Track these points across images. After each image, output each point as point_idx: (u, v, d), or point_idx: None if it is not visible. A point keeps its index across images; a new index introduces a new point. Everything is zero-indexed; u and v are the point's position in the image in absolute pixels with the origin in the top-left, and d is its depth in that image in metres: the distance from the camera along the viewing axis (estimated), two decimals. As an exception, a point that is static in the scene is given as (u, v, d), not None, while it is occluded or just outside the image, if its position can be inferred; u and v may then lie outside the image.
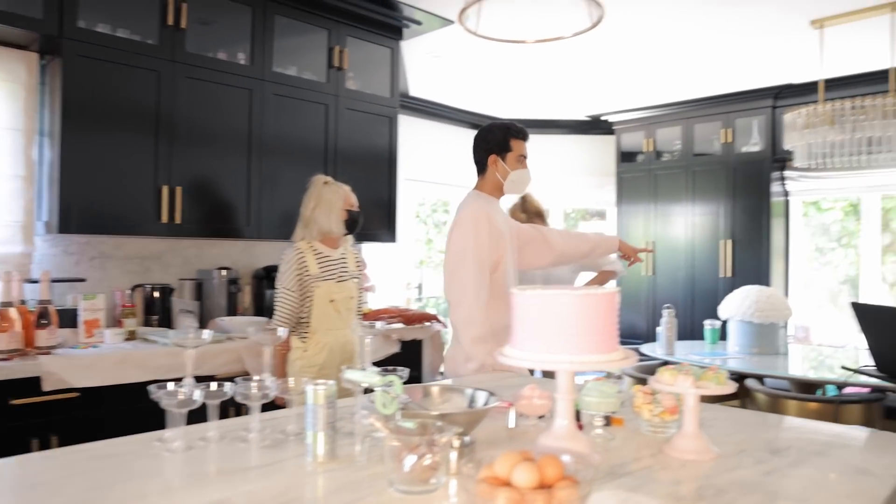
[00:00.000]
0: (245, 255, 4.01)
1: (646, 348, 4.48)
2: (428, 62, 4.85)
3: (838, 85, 4.88)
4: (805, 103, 4.37)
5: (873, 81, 4.75)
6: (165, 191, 3.28)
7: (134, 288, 3.50)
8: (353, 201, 3.01)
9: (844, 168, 4.38)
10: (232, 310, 3.68)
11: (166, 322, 3.52)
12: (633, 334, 6.06)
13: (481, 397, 1.72)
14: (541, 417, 1.75)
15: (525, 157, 2.66)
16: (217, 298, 3.64)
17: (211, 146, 3.47)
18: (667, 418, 1.65)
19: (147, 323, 3.47)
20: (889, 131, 3.72)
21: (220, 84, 3.48)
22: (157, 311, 3.50)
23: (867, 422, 3.33)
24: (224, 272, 3.67)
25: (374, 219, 4.12)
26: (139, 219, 3.23)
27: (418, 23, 4.13)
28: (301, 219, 2.96)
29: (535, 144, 6.68)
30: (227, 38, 3.57)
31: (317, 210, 2.91)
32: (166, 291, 3.56)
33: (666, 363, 2.85)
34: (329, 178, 3.02)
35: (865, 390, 3.81)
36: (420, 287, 6.50)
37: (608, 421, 1.72)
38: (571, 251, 2.84)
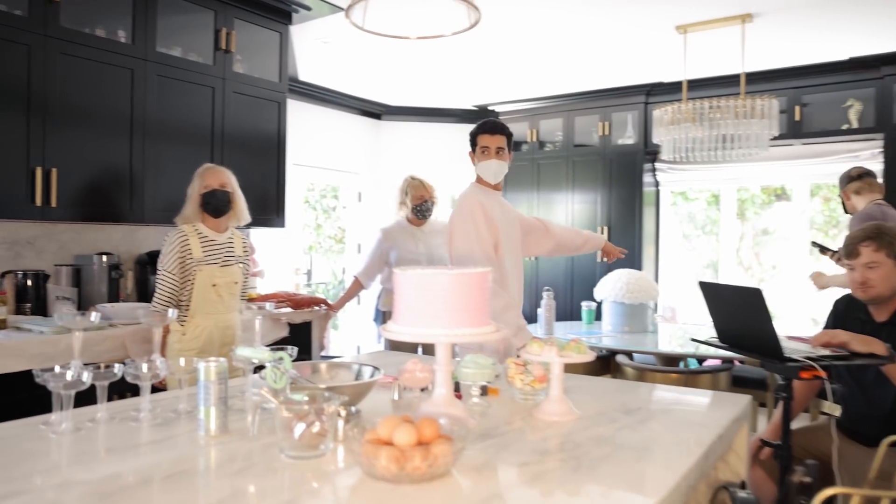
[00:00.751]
0: (127, 239, 3.90)
1: (530, 327, 4.73)
2: (318, 48, 4.87)
3: (700, 86, 5.33)
4: (672, 101, 4.75)
5: (729, 84, 5.23)
6: (39, 172, 3.15)
7: (4, 274, 3.34)
8: (210, 182, 2.89)
9: (705, 161, 4.80)
10: (114, 296, 3.59)
11: (41, 310, 3.38)
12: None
13: (367, 372, 1.84)
14: (423, 390, 1.89)
15: (488, 148, 2.88)
16: (97, 285, 3.54)
17: (90, 127, 3.35)
18: (537, 386, 1.83)
19: (20, 311, 3.32)
20: (740, 130, 4.14)
21: (98, 62, 3.36)
22: (31, 298, 3.35)
23: (715, 388, 3.72)
24: (105, 258, 3.57)
25: (263, 204, 4.11)
26: (9, 201, 3.08)
27: (308, 8, 4.14)
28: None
29: (424, 131, 6.87)
30: (105, 13, 3.45)
31: (186, 201, 2.93)
32: (40, 278, 3.41)
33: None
34: (205, 165, 3.02)
35: (717, 362, 4.25)
36: (309, 273, 6.50)
37: (485, 391, 1.88)
38: (567, 242, 3.24)
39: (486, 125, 2.93)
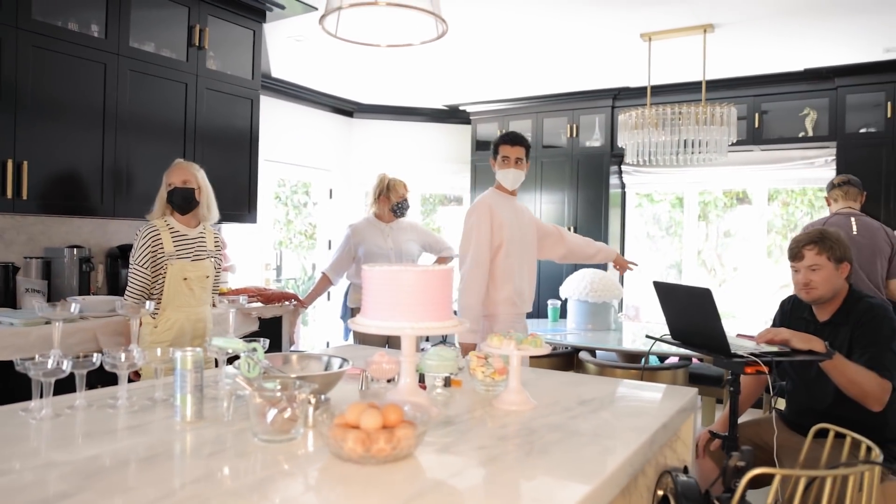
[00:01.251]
0: (98, 233, 3.93)
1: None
2: (291, 45, 4.92)
3: (664, 91, 5.51)
4: (638, 106, 4.90)
5: (691, 90, 5.42)
6: (10, 165, 3.17)
7: (-28, 266, 3.35)
8: (178, 178, 2.94)
9: (668, 165, 4.97)
10: (84, 289, 3.62)
11: (10, 303, 3.40)
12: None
13: (336, 363, 1.93)
14: (390, 381, 1.98)
15: (508, 158, 3.23)
16: (67, 278, 3.56)
17: (62, 120, 3.38)
18: (497, 378, 1.94)
19: (-13, 303, 3.34)
20: (701, 135, 4.31)
21: (71, 56, 3.39)
22: (0, 291, 3.37)
23: (674, 384, 3.88)
24: (75, 251, 3.59)
25: (235, 199, 4.17)
26: (-21, 193, 3.10)
27: (282, 7, 4.20)
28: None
29: (396, 130, 6.96)
30: (78, 6, 3.47)
31: (157, 195, 2.98)
32: (9, 270, 3.43)
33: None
34: (176, 161, 3.06)
35: (676, 360, 4.41)
36: (279, 268, 6.54)
37: (448, 382, 1.99)
38: (579, 251, 3.56)
39: (507, 137, 3.27)
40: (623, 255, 6.37)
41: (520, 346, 1.78)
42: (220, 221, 3.48)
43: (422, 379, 2.00)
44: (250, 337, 3.04)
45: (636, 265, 3.63)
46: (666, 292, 2.39)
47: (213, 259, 3.07)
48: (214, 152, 4.01)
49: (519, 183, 3.28)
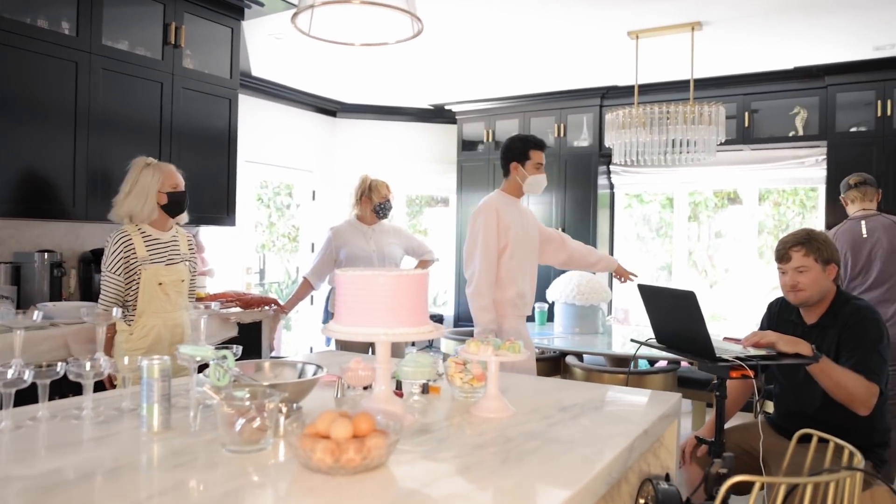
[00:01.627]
0: (70, 237, 3.89)
1: (480, 330, 4.84)
2: (271, 43, 4.90)
3: (652, 90, 5.52)
4: (625, 105, 4.92)
5: (679, 89, 5.43)
6: (-22, 167, 3.15)
7: (-61, 271, 3.32)
8: (176, 181, 2.95)
9: (656, 165, 4.99)
10: (56, 295, 3.58)
11: (-22, 308, 3.37)
12: (469, 317, 6.46)
13: (310, 370, 1.92)
14: (367, 388, 1.97)
15: (542, 165, 3.32)
16: (38, 283, 3.53)
17: (32, 121, 3.35)
18: (476, 384, 1.93)
19: (-45, 309, 3.30)
20: (689, 135, 4.33)
21: (41, 54, 3.36)
22: (-33, 296, 3.34)
23: (663, 389, 3.88)
24: (46, 255, 3.56)
25: (213, 202, 4.15)
26: (-54, 197, 3.07)
27: (260, 4, 4.19)
28: (114, 202, 2.92)
29: (381, 130, 6.95)
30: (48, 3, 3.45)
31: (130, 197, 2.87)
32: (-23, 275, 3.40)
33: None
34: (151, 160, 2.95)
35: (664, 364, 4.42)
36: (262, 272, 6.51)
37: (426, 389, 1.98)
38: (580, 258, 3.64)
39: (541, 142, 3.37)
40: (612, 255, 6.40)
41: (497, 351, 1.78)
42: (196, 224, 3.47)
43: (398, 385, 1.99)
44: (228, 343, 3.03)
45: (636, 276, 3.66)
46: (650, 295, 2.40)
47: (187, 262, 3.05)
48: (192, 153, 3.98)
49: None
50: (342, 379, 1.95)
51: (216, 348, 1.83)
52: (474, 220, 3.26)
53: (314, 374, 1.88)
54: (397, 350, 3.80)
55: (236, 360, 1.79)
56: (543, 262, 3.56)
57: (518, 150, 3.33)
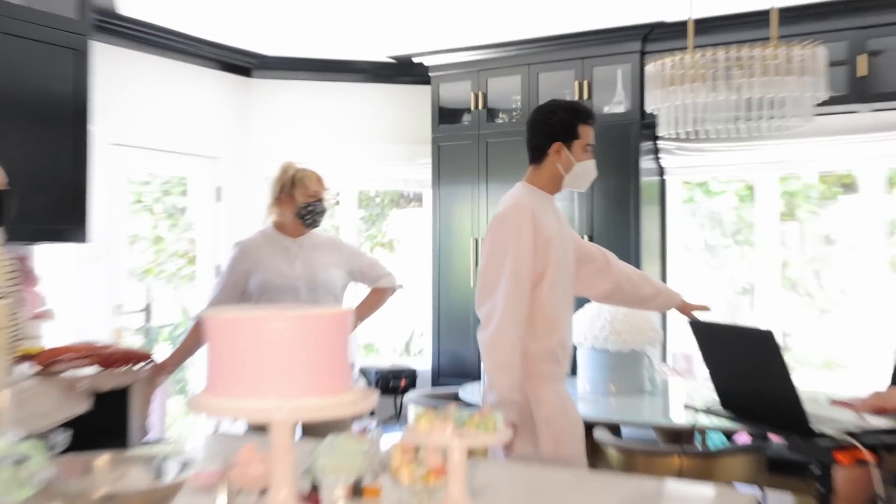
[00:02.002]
0: None
1: (467, 391, 4.74)
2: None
3: (714, 27, 5.48)
4: (676, 50, 4.83)
5: (756, 24, 5.35)
6: None
7: None
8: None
9: (725, 139, 4.88)
10: None
11: None
12: (457, 371, 6.32)
13: (173, 467, 1.81)
14: (264, 493, 1.86)
15: (592, 147, 3.28)
16: None
17: None
18: (432, 482, 1.82)
19: None
20: (773, 91, 4.23)
21: None
22: None
23: (745, 477, 3.78)
24: None
25: (54, 207, 4.05)
26: None
27: None
28: None
29: (316, 97, 6.90)
30: None
31: None
32: None
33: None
34: None
35: (744, 437, 4.32)
36: (147, 311, 6.42)
37: (358, 491, 1.87)
38: (630, 289, 3.52)
39: (589, 112, 3.33)
40: (665, 274, 6.32)
41: (461, 430, 1.67)
42: (29, 241, 3.35)
43: (314, 487, 1.90)
44: (72, 424, 2.91)
45: (708, 308, 3.54)
46: (708, 337, 2.32)
47: (3, 300, 2.94)
48: (15, 133, 3.92)
49: None
50: (227, 479, 1.84)
51: (36, 437, 1.72)
52: (498, 230, 3.16)
53: (180, 472, 1.78)
54: (332, 428, 3.70)
55: (58, 453, 1.68)
56: (578, 293, 3.48)
57: (564, 125, 3.23)
